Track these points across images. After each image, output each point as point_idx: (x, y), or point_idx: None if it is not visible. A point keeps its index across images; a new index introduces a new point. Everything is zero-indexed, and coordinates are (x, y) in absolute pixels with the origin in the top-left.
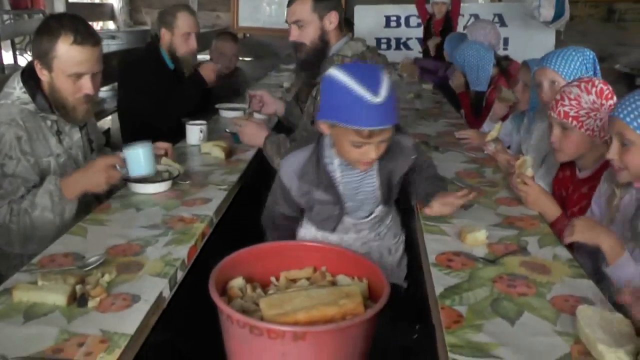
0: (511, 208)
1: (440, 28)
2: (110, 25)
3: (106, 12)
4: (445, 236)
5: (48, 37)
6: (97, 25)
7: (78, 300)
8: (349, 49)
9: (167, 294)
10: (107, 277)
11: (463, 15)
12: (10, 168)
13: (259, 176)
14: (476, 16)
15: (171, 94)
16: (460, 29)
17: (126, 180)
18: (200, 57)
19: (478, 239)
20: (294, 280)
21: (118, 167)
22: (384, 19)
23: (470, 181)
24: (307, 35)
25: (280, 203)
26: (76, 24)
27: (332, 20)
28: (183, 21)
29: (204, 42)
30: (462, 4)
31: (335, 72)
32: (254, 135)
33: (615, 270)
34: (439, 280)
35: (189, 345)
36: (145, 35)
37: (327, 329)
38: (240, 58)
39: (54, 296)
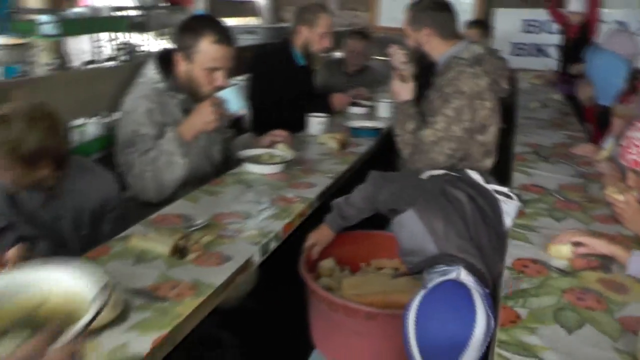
0: (606, 226)
1: (576, 36)
2: (254, 21)
3: (250, 9)
4: (528, 244)
5: (193, 34)
6: (241, 21)
7: (179, 252)
8: (467, 52)
9: (257, 260)
10: (207, 238)
11: (605, 22)
12: (143, 132)
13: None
14: (621, 23)
15: (298, 89)
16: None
17: (241, 160)
18: (336, 54)
19: (562, 252)
20: (381, 269)
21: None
22: (523, 23)
23: (572, 195)
24: (412, 45)
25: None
26: (218, 26)
27: (425, 34)
28: (323, 21)
29: (340, 39)
30: (603, 10)
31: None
32: (397, 92)
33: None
34: (509, 283)
35: (280, 314)
36: (282, 32)
37: (398, 313)
38: (377, 57)
39: (161, 247)
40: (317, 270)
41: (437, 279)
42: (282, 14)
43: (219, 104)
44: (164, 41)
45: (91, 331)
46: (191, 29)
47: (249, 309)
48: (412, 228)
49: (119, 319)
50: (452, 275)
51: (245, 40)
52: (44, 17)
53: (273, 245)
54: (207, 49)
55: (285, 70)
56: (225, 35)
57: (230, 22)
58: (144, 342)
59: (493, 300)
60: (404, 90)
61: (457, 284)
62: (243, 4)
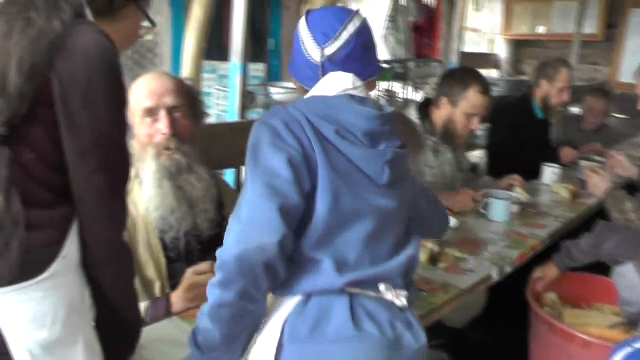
0: None
1: None
2: (494, 73)
3: (492, 62)
4: None
5: (462, 83)
6: (484, 73)
7: (431, 260)
8: None
9: (495, 277)
10: (457, 253)
11: None
12: None
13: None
14: None
15: (535, 140)
16: None
17: None
18: (574, 109)
19: None
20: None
21: (480, 206)
22: None
23: None
24: None
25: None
26: (483, 79)
27: None
28: (564, 76)
29: (578, 95)
30: None
31: None
32: (596, 186)
33: None
34: None
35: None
36: (522, 85)
37: (612, 347)
38: (616, 115)
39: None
40: (541, 300)
41: None
42: (522, 67)
43: (477, 200)
44: (420, 90)
45: None
46: (461, 79)
47: (472, 333)
48: (630, 281)
49: None
50: None
51: None
52: None
53: (508, 269)
54: (473, 97)
55: (525, 122)
56: (487, 88)
57: None
58: None
59: None
60: (602, 181)
61: None
62: (486, 56)
